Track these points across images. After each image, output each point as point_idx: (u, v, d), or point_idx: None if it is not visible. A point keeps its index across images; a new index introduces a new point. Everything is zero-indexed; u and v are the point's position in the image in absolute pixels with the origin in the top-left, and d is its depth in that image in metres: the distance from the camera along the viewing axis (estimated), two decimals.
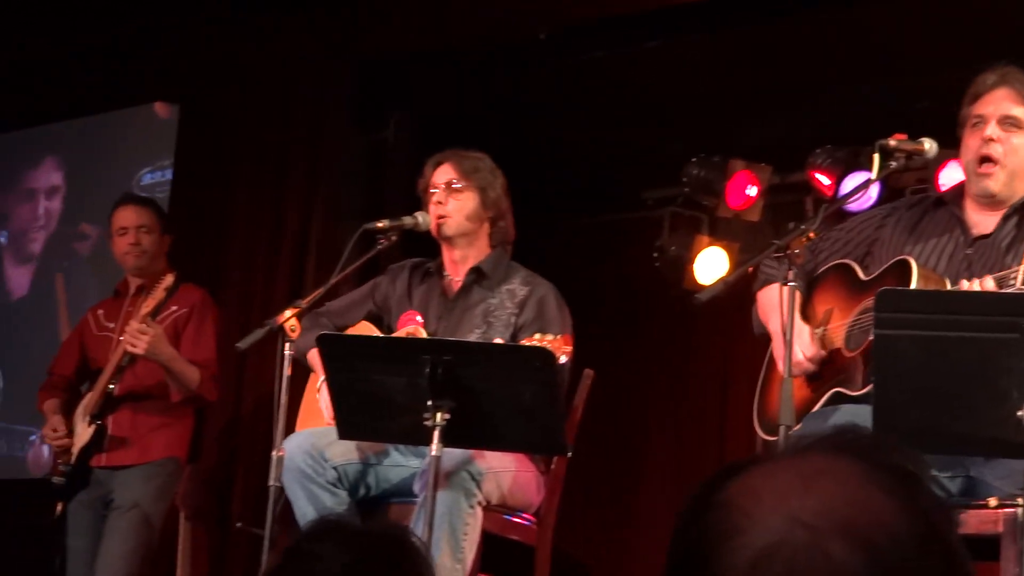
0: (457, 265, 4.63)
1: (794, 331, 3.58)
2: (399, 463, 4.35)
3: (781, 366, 3.75)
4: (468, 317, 4.52)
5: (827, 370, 3.78)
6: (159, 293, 5.30)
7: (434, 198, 4.57)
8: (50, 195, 7.73)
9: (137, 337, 5.24)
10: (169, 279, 5.32)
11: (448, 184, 4.56)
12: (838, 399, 3.70)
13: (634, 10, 5.86)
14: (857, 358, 3.68)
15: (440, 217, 4.55)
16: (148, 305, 5.31)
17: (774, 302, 3.68)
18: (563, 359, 4.03)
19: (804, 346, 3.75)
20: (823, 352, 3.78)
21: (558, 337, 4.09)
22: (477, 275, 4.59)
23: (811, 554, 1.13)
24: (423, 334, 4.47)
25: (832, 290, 3.88)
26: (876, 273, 3.77)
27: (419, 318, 4.54)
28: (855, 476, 1.16)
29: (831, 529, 1.13)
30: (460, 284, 4.59)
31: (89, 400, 5.46)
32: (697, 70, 6.27)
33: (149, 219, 5.69)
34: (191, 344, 5.52)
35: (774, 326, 3.79)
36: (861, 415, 3.52)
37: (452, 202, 4.55)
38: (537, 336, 4.12)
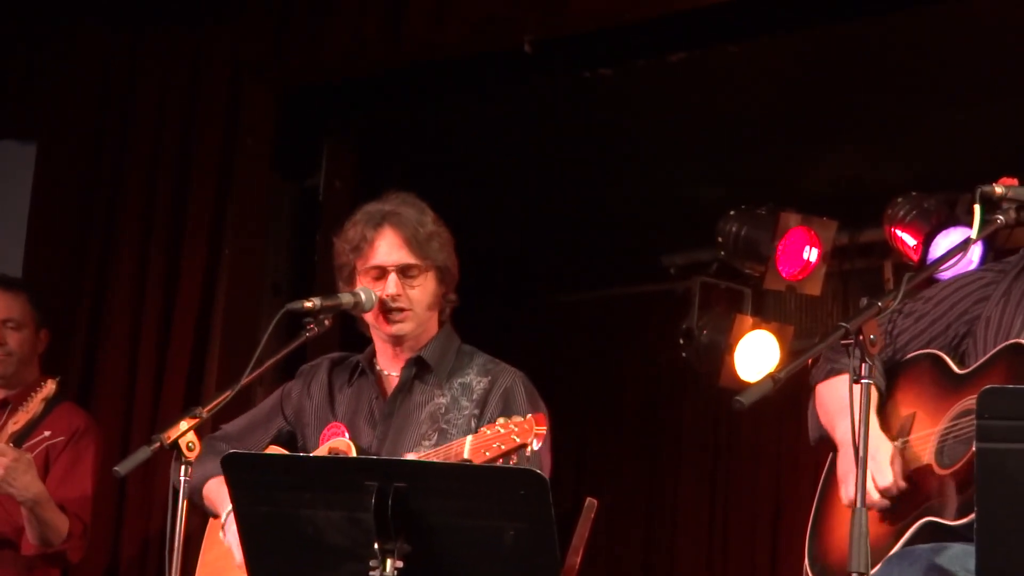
0: (397, 357, 4.61)
1: (868, 447, 3.57)
2: None
3: (845, 491, 3.74)
4: (411, 425, 4.50)
5: (912, 493, 3.77)
6: (34, 405, 5.23)
7: (386, 288, 4.50)
8: None
9: None
10: (50, 387, 5.24)
11: (405, 269, 4.51)
12: (930, 531, 3.69)
13: (652, 12, 5.86)
14: (953, 477, 3.67)
15: (394, 313, 4.51)
16: (18, 420, 5.26)
17: (841, 400, 3.66)
18: (535, 444, 4.02)
19: (878, 471, 3.74)
20: (903, 483, 3.77)
21: (527, 418, 4.07)
22: (418, 368, 4.57)
23: None
24: (353, 452, 4.44)
25: (916, 387, 3.86)
26: (978, 363, 3.76)
27: (347, 433, 4.52)
28: None
29: None
30: (398, 381, 4.58)
31: None
32: (735, 89, 6.29)
33: (20, 311, 5.64)
34: (58, 482, 5.44)
35: (841, 433, 3.77)
36: (961, 557, 3.51)
37: (411, 292, 4.51)
38: (501, 421, 4.11)
